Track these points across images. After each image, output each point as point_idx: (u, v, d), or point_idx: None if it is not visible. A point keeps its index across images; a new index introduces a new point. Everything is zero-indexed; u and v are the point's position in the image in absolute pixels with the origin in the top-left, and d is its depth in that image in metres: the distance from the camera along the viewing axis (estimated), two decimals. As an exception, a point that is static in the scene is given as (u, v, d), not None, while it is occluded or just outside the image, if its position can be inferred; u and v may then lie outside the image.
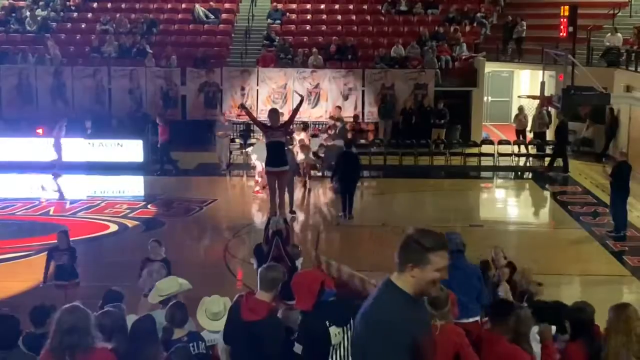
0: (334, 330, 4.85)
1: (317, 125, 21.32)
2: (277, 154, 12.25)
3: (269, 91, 22.03)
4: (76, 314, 4.27)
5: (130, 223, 14.69)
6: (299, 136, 17.87)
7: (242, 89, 22.03)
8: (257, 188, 16.08)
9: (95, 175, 18.69)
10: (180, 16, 25.18)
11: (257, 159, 16.71)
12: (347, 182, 15.13)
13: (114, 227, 14.40)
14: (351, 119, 21.38)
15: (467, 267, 7.05)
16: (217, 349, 5.47)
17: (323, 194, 17.43)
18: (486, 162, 20.06)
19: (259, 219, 14.87)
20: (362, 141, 20.99)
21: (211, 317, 6.00)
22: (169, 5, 25.55)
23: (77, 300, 5.24)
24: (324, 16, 25.20)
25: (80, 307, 4.35)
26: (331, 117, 20.01)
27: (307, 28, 24.87)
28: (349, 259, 12.43)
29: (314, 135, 19.59)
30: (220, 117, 19.63)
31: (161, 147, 19.00)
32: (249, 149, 18.19)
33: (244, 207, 16.39)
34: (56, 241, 10.05)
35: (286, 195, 13.58)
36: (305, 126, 18.59)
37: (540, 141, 21.06)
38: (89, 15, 25.05)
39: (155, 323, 5.42)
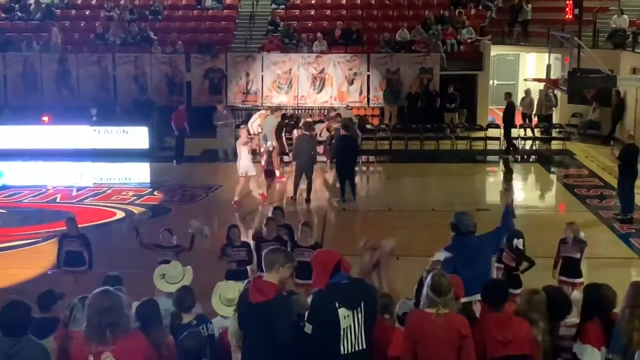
0: (343, 312, 4.82)
1: (322, 111, 21.30)
2: None
3: (274, 77, 21.99)
4: (110, 294, 4.44)
5: (136, 210, 14.73)
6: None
7: (247, 74, 21.99)
8: (261, 191, 15.79)
9: (101, 163, 18.74)
10: (184, 1, 25.10)
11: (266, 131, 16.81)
12: (344, 166, 15.14)
13: (120, 214, 14.44)
14: (357, 104, 21.38)
15: (478, 242, 6.89)
16: (227, 333, 5.49)
17: (329, 180, 17.40)
18: (492, 146, 20.01)
19: (266, 204, 14.87)
20: (368, 126, 20.96)
21: (226, 303, 6.04)
22: (173, -9, 25.53)
23: (86, 286, 5.28)
24: (329, 0, 25.09)
25: (111, 290, 4.50)
26: (328, 128, 19.42)
27: (312, 13, 24.77)
28: (353, 244, 12.48)
29: (319, 121, 19.58)
30: (218, 105, 19.37)
31: (179, 135, 18.87)
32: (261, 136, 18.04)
33: (250, 192, 16.41)
34: (65, 228, 10.08)
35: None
36: (297, 120, 18.44)
37: (547, 124, 21.00)
38: (93, 1, 25.00)
39: (158, 306, 5.45)
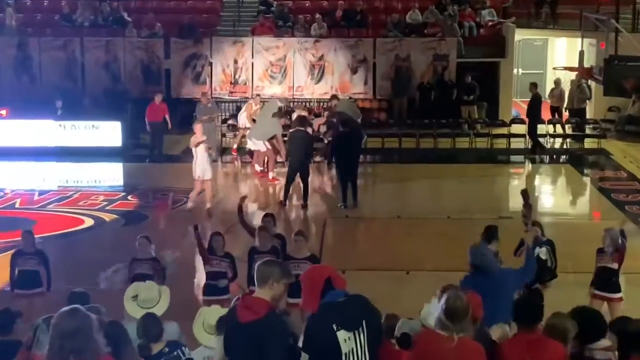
0: (342, 335, 4.72)
1: (321, 104, 21.32)
2: None
3: (266, 64, 21.99)
4: (78, 315, 4.36)
5: (107, 217, 14.71)
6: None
7: (235, 62, 21.98)
8: (269, 173, 15.91)
9: (67, 163, 18.70)
10: (162, -22, 25.13)
11: (258, 138, 16.77)
12: (345, 167, 15.15)
13: (89, 222, 14.41)
14: (361, 96, 21.41)
15: (501, 277, 6.87)
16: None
17: (329, 182, 17.40)
18: (517, 144, 20.02)
19: (257, 210, 14.87)
20: (374, 121, 20.96)
21: (209, 331, 5.98)
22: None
23: (45, 309, 5.26)
24: (329, -23, 25.11)
25: (81, 310, 4.45)
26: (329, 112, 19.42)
27: (309, -9, 24.80)
28: (356, 256, 12.51)
29: (317, 115, 19.60)
30: (201, 97, 19.34)
31: (154, 128, 18.98)
32: (247, 133, 18.11)
33: (237, 196, 16.36)
34: (20, 241, 10.02)
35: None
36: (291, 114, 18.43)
37: (579, 119, 20.99)
38: (58, -22, 25.00)
39: (124, 327, 5.43)
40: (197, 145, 14.58)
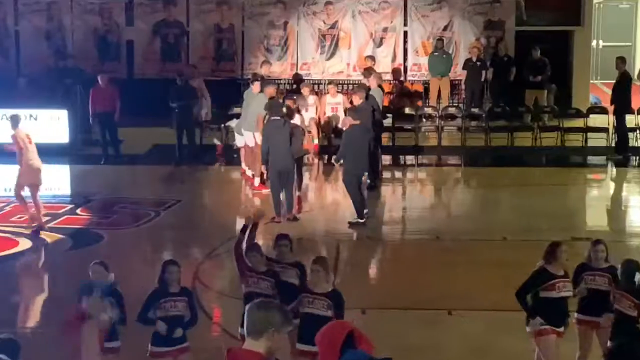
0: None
1: (335, 85, 21.15)
2: None
3: (261, 34, 21.98)
4: None
5: (49, 237, 14.67)
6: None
7: (220, 30, 21.98)
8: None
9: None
10: None
11: (247, 129, 16.84)
12: (354, 169, 15.11)
13: (24, 244, 14.38)
14: (388, 77, 21.38)
15: None
16: None
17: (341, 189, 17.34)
18: (596, 140, 19.96)
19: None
20: (406, 110, 20.95)
21: None
22: None
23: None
24: None
25: None
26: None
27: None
28: (380, 291, 12.43)
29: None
30: (177, 78, 19.25)
31: (102, 119, 19.02)
32: (230, 123, 18.14)
33: (222, 211, 16.35)
34: None
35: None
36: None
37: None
38: None
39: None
40: None
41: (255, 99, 16.94)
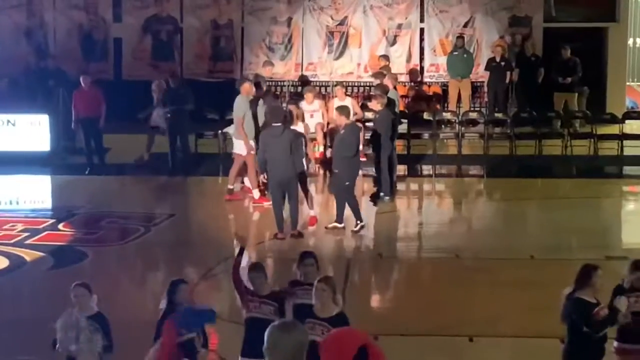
0: None
1: (345, 87, 21.19)
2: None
3: (263, 31, 22.03)
4: None
5: (28, 255, 14.69)
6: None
7: (217, 26, 22.03)
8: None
9: (-30, 175, 18.76)
10: None
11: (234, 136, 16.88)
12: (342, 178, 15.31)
13: (1, 262, 14.41)
14: (403, 78, 21.39)
15: None
16: None
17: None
18: (633, 149, 19.97)
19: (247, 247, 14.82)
20: (423, 115, 20.95)
21: None
22: None
23: None
24: None
25: None
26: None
27: None
28: (394, 314, 12.42)
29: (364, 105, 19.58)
30: (170, 79, 19.40)
31: (86, 125, 19.05)
32: (228, 129, 18.15)
33: (219, 227, 16.37)
34: None
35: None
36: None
37: None
38: None
39: None
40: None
41: (235, 103, 16.93)
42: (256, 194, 16.94)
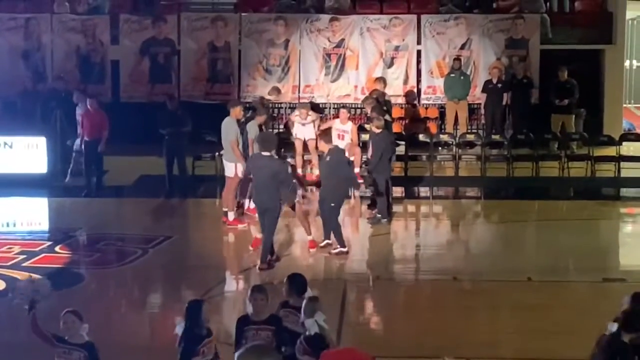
0: None
1: (338, 108, 21.17)
2: None
3: (260, 53, 22.06)
4: None
5: (24, 278, 14.62)
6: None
7: (214, 49, 22.05)
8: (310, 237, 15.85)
9: (-33, 197, 18.75)
10: None
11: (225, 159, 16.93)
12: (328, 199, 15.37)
13: (-2, 285, 14.39)
14: (400, 99, 21.43)
15: None
16: None
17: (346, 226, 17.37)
18: (630, 171, 19.98)
19: (246, 269, 14.84)
20: (421, 136, 20.95)
21: None
22: None
23: None
24: None
25: None
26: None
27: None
28: (390, 338, 12.36)
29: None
30: (167, 102, 19.17)
31: (87, 148, 19.05)
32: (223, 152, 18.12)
33: (217, 249, 16.35)
34: None
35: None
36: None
37: None
38: None
39: None
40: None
41: (225, 125, 16.89)
42: (231, 216, 16.89)
